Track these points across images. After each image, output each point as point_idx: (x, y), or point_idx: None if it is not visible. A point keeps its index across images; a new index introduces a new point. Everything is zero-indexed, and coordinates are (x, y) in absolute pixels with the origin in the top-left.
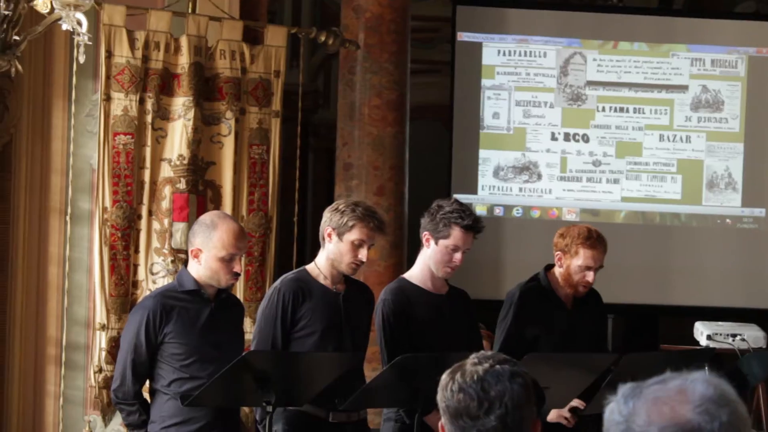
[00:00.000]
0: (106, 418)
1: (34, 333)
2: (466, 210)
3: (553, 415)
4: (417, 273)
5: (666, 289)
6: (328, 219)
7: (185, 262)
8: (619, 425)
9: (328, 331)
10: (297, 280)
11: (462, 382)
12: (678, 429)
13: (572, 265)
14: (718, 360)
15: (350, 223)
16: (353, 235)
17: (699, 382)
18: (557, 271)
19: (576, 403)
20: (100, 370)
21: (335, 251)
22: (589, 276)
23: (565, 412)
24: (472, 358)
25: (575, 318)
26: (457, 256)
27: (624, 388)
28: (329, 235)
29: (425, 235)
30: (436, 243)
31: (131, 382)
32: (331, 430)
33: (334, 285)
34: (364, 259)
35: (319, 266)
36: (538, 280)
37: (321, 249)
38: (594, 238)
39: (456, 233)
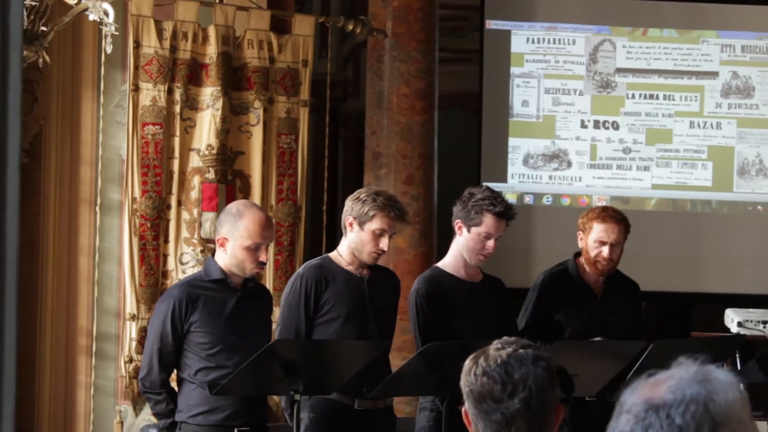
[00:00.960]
0: (137, 408)
1: (65, 324)
2: (498, 197)
3: None
4: (450, 261)
5: (697, 276)
6: (350, 208)
7: (213, 252)
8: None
9: (352, 316)
10: (320, 266)
11: (486, 366)
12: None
13: (589, 241)
14: (749, 347)
15: (371, 213)
16: (374, 224)
17: (689, 367)
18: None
19: None
20: (131, 360)
21: (357, 240)
22: (605, 251)
23: None
24: (495, 343)
25: (606, 307)
26: (490, 243)
27: (641, 400)
28: (350, 225)
29: (457, 223)
30: (469, 231)
31: (158, 372)
32: (357, 417)
33: (358, 270)
34: (386, 249)
35: (341, 253)
36: (566, 267)
37: (343, 237)
38: (607, 213)
39: (488, 220)
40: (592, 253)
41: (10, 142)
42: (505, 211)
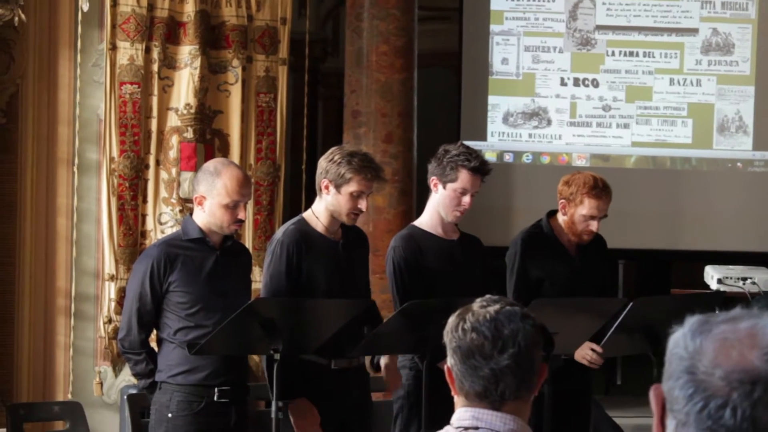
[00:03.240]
0: (117, 369)
1: (43, 284)
2: (473, 153)
3: (578, 355)
4: (427, 219)
5: (677, 233)
6: (324, 170)
7: (191, 211)
8: (683, 361)
9: (332, 281)
10: (298, 230)
11: (474, 321)
12: (744, 375)
13: (576, 214)
14: (729, 303)
15: (348, 176)
16: (351, 186)
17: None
18: (560, 218)
19: (597, 348)
20: (110, 321)
21: (334, 203)
22: (593, 225)
23: (588, 352)
24: (479, 300)
25: (579, 264)
26: (466, 199)
27: (692, 322)
28: (326, 188)
29: (433, 180)
30: (444, 187)
31: (137, 332)
32: (333, 377)
33: (332, 234)
34: (364, 209)
35: (317, 215)
36: (541, 227)
37: (318, 198)
38: (600, 188)
39: (463, 176)
40: (580, 226)
41: None
42: (480, 167)
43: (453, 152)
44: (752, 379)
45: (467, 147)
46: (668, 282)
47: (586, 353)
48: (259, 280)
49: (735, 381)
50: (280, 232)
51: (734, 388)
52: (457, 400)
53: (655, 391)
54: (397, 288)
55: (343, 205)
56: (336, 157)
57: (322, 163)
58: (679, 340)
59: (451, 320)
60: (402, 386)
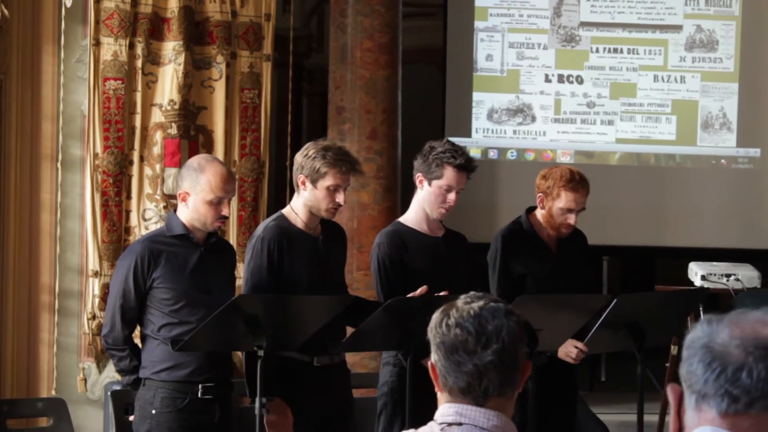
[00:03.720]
0: (101, 365)
1: (27, 280)
2: (458, 150)
3: (561, 353)
4: (412, 216)
5: (661, 230)
6: (300, 166)
7: (175, 208)
8: (701, 340)
9: (313, 276)
10: (278, 226)
11: (458, 317)
12: (758, 342)
13: (554, 207)
14: (713, 300)
15: (323, 170)
16: (327, 181)
17: None
18: (539, 212)
19: (580, 345)
20: (94, 317)
21: (311, 198)
22: (571, 218)
23: (572, 349)
24: (463, 297)
25: (560, 260)
26: (451, 196)
27: (705, 317)
28: (303, 183)
29: (418, 176)
30: (430, 184)
31: (121, 328)
32: (315, 374)
33: (311, 229)
34: (342, 203)
35: (296, 211)
36: (520, 223)
37: (296, 194)
38: (576, 181)
39: (449, 173)
40: (558, 219)
41: None
42: (465, 164)
43: (439, 149)
44: (766, 345)
45: (453, 144)
46: (653, 278)
47: (570, 351)
48: (241, 276)
49: (750, 347)
50: (260, 229)
51: (750, 353)
52: (440, 396)
53: (671, 388)
54: (381, 284)
55: (321, 200)
56: (311, 152)
57: (298, 158)
58: (695, 331)
59: (435, 316)
60: (386, 383)
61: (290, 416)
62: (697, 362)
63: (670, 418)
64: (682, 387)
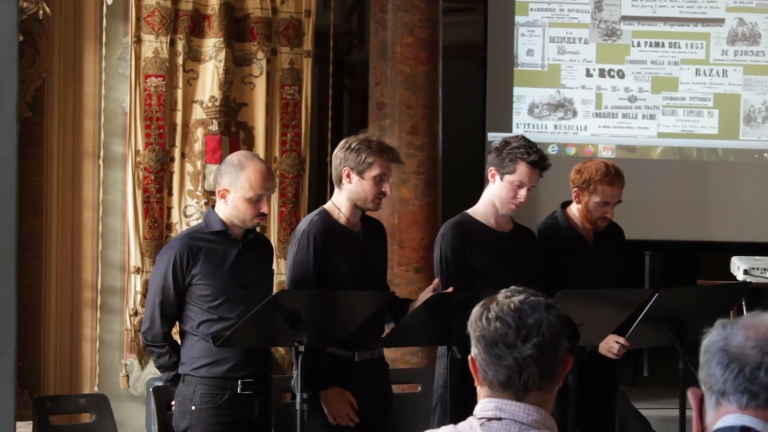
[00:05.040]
0: (143, 361)
1: (69, 277)
2: (533, 146)
3: (602, 348)
4: (481, 209)
5: (703, 224)
6: (343, 159)
7: (213, 204)
8: (717, 343)
9: (355, 272)
10: (323, 220)
11: (498, 311)
12: None
13: (591, 201)
14: (756, 294)
15: (369, 160)
16: (374, 170)
17: None
18: (575, 207)
19: (621, 340)
20: (136, 314)
21: (357, 190)
22: (608, 211)
23: (613, 344)
24: (504, 291)
25: (597, 254)
26: (522, 192)
27: (719, 321)
28: (348, 176)
29: (491, 170)
30: (502, 178)
31: (160, 325)
32: (356, 369)
33: (353, 225)
34: (389, 192)
35: (339, 206)
36: (556, 218)
37: (337, 190)
38: (612, 174)
39: (522, 169)
40: (595, 214)
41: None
42: (539, 161)
43: (513, 144)
44: None
45: (527, 140)
46: (695, 273)
47: (611, 346)
48: (282, 272)
49: (766, 347)
50: (304, 223)
51: (766, 353)
52: (480, 390)
53: (692, 392)
54: (442, 275)
55: (368, 190)
56: (353, 145)
57: (339, 153)
58: (711, 334)
59: (476, 310)
60: (441, 375)
61: (352, 400)
62: (716, 365)
63: (693, 420)
64: (701, 390)
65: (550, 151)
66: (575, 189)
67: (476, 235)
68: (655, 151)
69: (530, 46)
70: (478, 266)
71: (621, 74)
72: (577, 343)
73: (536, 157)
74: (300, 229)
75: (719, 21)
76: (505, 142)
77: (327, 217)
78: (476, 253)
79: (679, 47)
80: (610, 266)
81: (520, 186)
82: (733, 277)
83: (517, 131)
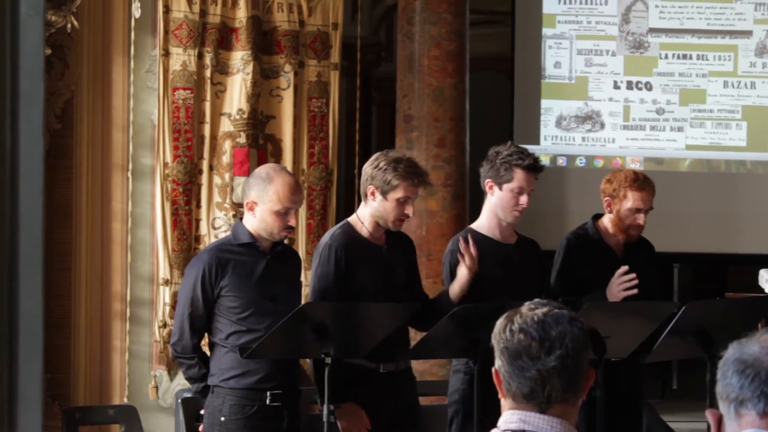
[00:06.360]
0: (172, 373)
1: (99, 289)
2: (524, 151)
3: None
4: (484, 222)
5: (732, 237)
6: (370, 177)
7: (241, 216)
8: (732, 355)
9: (378, 285)
10: (345, 233)
11: (522, 323)
12: None
13: (622, 209)
14: None
15: (394, 183)
16: (398, 193)
17: None
18: (607, 217)
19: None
20: (165, 325)
21: (380, 209)
22: (640, 218)
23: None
24: (528, 304)
25: (627, 267)
26: (523, 198)
27: (735, 342)
28: (372, 194)
29: (488, 183)
30: (500, 188)
31: (189, 336)
32: (382, 381)
33: (377, 239)
34: (411, 215)
35: (362, 220)
36: (586, 230)
37: (363, 203)
38: (641, 180)
39: (519, 175)
40: (627, 221)
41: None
42: (534, 164)
43: (505, 153)
44: None
45: (518, 146)
46: (724, 286)
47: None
48: (309, 284)
49: None
50: (327, 237)
51: None
52: (504, 402)
53: (710, 413)
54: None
55: (390, 211)
56: (381, 164)
57: (367, 169)
58: (726, 352)
59: (500, 322)
60: (456, 390)
61: (365, 419)
62: (731, 374)
63: None
64: (719, 411)
65: (578, 163)
66: (606, 198)
67: (482, 248)
68: (683, 164)
69: (558, 58)
70: (487, 279)
71: (649, 86)
72: (605, 355)
73: (531, 161)
74: (322, 242)
75: (747, 33)
76: (496, 152)
77: (350, 230)
78: (484, 265)
79: (707, 59)
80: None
81: (520, 192)
82: (762, 290)
83: (544, 143)
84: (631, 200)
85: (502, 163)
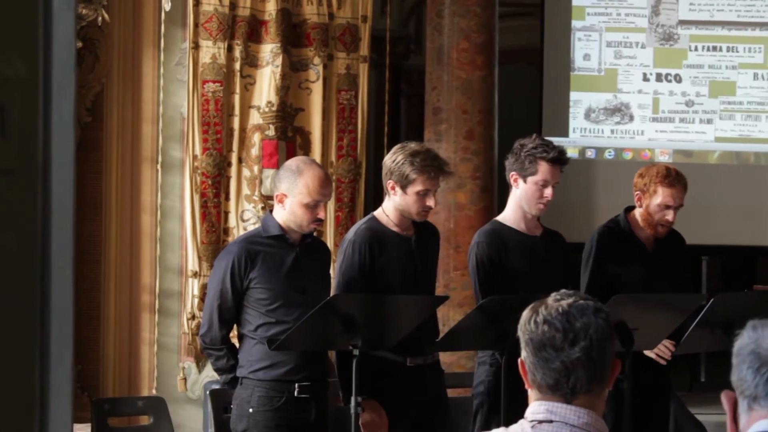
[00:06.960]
0: (200, 365)
1: (128, 281)
2: (549, 144)
3: (650, 353)
4: (510, 215)
5: (762, 229)
6: (389, 172)
7: (271, 208)
8: (748, 345)
9: (405, 278)
10: (370, 228)
11: (546, 314)
12: None
13: (651, 204)
14: None
15: (412, 176)
16: (416, 187)
17: None
18: (637, 212)
19: (668, 344)
20: (193, 317)
21: (402, 203)
22: (669, 215)
23: (661, 347)
24: (554, 295)
25: (657, 260)
26: (548, 190)
27: (750, 322)
28: (392, 188)
29: (513, 175)
30: (525, 181)
31: (218, 328)
32: (409, 374)
33: (404, 231)
34: (433, 206)
35: (387, 213)
36: (618, 222)
37: (386, 197)
38: (673, 176)
39: (543, 167)
40: (656, 216)
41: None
42: (559, 157)
43: (530, 145)
44: None
45: (543, 139)
46: (753, 278)
47: (657, 348)
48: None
49: None
50: (351, 232)
51: None
52: (531, 393)
53: (725, 395)
54: (479, 284)
55: (411, 204)
56: (398, 158)
57: (386, 163)
58: (743, 336)
59: (525, 314)
60: (482, 382)
61: (385, 418)
62: (746, 369)
63: (727, 424)
64: (734, 393)
65: (607, 156)
66: (637, 192)
67: (510, 240)
68: (712, 156)
69: (587, 50)
70: (513, 271)
71: (678, 78)
72: (632, 347)
73: (555, 154)
74: (347, 237)
75: None
76: (521, 145)
77: (375, 224)
78: (511, 257)
79: (737, 51)
80: (669, 273)
81: (544, 185)
82: None
83: (573, 136)
84: (660, 196)
85: (527, 155)
